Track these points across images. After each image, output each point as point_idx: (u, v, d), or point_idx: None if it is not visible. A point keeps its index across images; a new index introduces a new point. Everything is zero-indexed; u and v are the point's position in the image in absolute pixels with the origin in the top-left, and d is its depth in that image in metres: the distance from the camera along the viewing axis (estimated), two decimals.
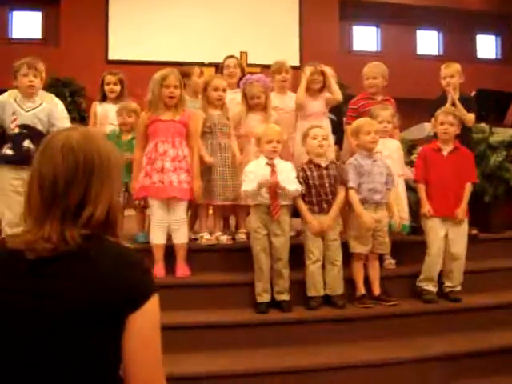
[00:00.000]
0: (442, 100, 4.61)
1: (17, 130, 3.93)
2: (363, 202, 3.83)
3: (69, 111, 4.34)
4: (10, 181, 3.92)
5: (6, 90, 4.38)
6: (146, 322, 1.27)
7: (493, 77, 9.74)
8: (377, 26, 11.52)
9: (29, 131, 3.94)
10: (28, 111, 3.98)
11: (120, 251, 1.33)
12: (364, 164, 3.86)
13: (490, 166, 4.83)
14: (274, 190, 3.67)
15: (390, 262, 4.20)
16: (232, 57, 4.91)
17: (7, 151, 3.95)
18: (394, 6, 10.81)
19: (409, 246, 4.24)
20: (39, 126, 3.98)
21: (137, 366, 1.26)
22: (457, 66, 4.68)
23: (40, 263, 1.26)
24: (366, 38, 11.57)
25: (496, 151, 4.90)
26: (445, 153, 4.03)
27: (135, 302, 1.26)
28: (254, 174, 3.71)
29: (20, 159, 3.88)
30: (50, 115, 4.04)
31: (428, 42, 11.86)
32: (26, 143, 3.92)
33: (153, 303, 1.29)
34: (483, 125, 5.24)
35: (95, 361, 1.24)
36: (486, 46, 12.22)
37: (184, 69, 4.58)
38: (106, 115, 4.63)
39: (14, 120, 3.93)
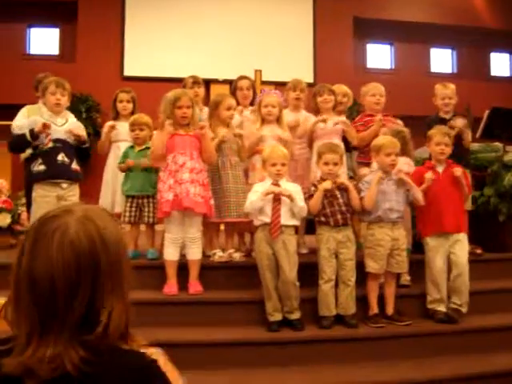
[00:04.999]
0: (437, 121, 4.63)
1: (50, 145, 3.97)
2: (379, 220, 3.83)
3: (84, 127, 4.39)
4: (42, 198, 3.97)
5: (23, 105, 4.45)
6: None
7: (507, 95, 9.67)
8: (391, 44, 11.53)
9: (63, 145, 4.01)
10: (60, 126, 4.05)
11: (139, 365, 1.09)
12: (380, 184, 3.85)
13: (504, 185, 4.80)
14: (277, 206, 3.64)
15: (405, 279, 4.18)
16: (245, 78, 4.95)
17: (39, 167, 3.98)
18: (407, 24, 10.84)
19: (421, 264, 4.19)
20: (70, 140, 4.06)
21: None
22: (453, 87, 4.77)
23: None
24: (379, 55, 11.59)
25: (510, 170, 4.87)
26: (440, 171, 4.03)
27: None
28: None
29: (54, 174, 3.95)
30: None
31: (442, 59, 11.85)
32: (60, 157, 3.98)
33: None
34: (497, 144, 5.22)
35: None
36: (500, 64, 12.18)
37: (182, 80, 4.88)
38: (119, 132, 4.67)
39: (48, 135, 3.97)
